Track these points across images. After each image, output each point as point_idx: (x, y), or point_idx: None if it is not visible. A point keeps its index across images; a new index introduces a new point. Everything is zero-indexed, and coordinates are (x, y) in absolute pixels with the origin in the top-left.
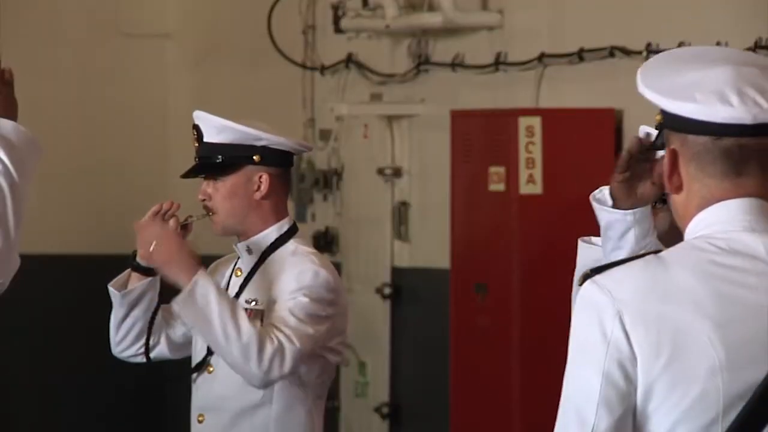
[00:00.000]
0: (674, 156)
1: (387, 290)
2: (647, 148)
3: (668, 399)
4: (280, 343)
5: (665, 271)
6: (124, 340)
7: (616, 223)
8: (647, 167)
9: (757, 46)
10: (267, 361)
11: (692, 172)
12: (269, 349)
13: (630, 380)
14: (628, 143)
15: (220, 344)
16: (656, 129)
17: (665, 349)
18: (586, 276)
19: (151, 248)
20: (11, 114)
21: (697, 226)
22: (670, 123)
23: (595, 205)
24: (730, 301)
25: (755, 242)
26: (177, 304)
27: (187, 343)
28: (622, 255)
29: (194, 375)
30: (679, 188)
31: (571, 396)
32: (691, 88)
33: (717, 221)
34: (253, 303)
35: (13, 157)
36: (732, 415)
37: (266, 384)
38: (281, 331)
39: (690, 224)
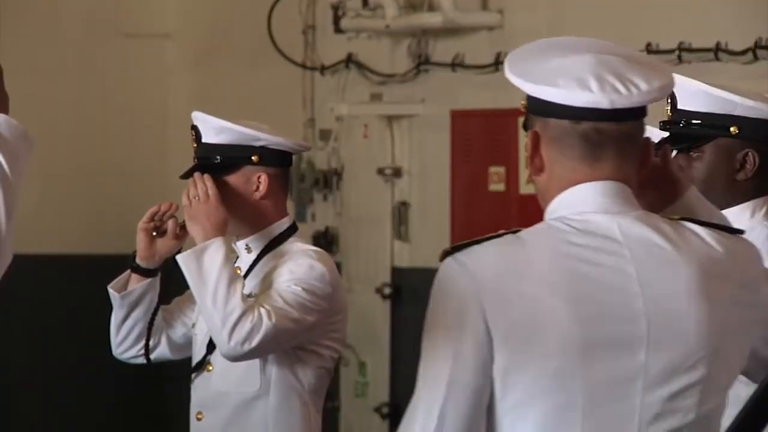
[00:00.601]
0: (536, 138)
1: (387, 290)
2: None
3: (525, 375)
4: (259, 319)
5: (522, 249)
6: (125, 341)
7: None
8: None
9: (757, 46)
10: (240, 334)
11: (553, 155)
12: (247, 324)
13: (489, 355)
14: None
15: (206, 306)
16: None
17: (521, 326)
18: (447, 253)
19: (190, 202)
20: (2, 107)
21: (557, 207)
22: (534, 107)
23: None
24: (584, 279)
25: (610, 223)
26: (182, 257)
27: (188, 343)
28: None
29: (193, 375)
30: (540, 170)
31: (432, 369)
32: (554, 73)
33: (575, 203)
34: (251, 299)
35: (5, 150)
36: (591, 389)
37: (234, 356)
38: (263, 307)
39: (550, 205)
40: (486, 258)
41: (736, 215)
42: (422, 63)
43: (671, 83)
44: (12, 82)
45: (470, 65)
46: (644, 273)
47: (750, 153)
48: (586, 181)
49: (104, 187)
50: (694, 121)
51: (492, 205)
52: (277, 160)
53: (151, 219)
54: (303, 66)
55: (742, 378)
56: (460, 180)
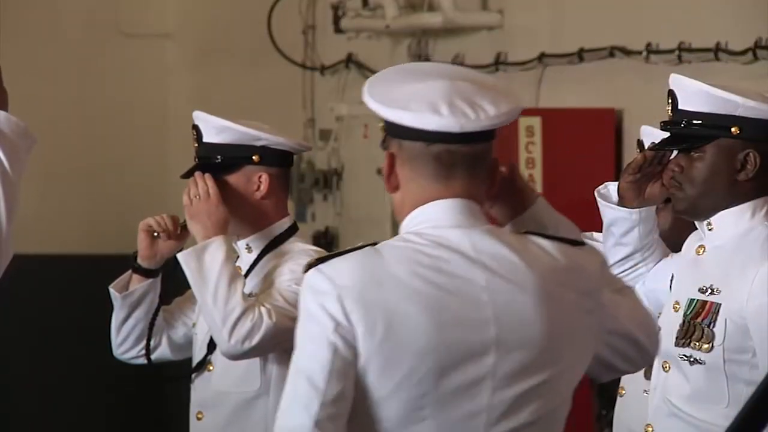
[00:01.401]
0: (392, 159)
1: None
2: (661, 155)
3: (383, 373)
4: (259, 318)
5: (380, 261)
6: (126, 341)
7: (621, 221)
8: (658, 169)
9: (757, 46)
10: (240, 333)
11: (408, 174)
12: (247, 323)
13: (353, 355)
14: (646, 148)
15: (207, 304)
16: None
17: (380, 330)
18: (311, 265)
19: (191, 201)
20: (1, 105)
21: (411, 222)
22: (390, 130)
23: (600, 201)
24: (437, 288)
25: (461, 238)
26: (183, 255)
27: (188, 343)
28: (625, 252)
29: (193, 375)
30: (396, 187)
31: (303, 368)
32: (408, 99)
33: (428, 218)
34: (251, 298)
35: (6, 147)
36: (443, 390)
37: (234, 355)
38: (263, 306)
39: (405, 220)
40: (347, 268)
41: (737, 215)
42: None
43: (518, 108)
44: (12, 82)
45: (470, 65)
46: (493, 283)
47: (751, 153)
48: (438, 198)
49: (104, 187)
50: (695, 122)
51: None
52: (277, 159)
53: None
54: (303, 66)
55: (742, 377)
56: None
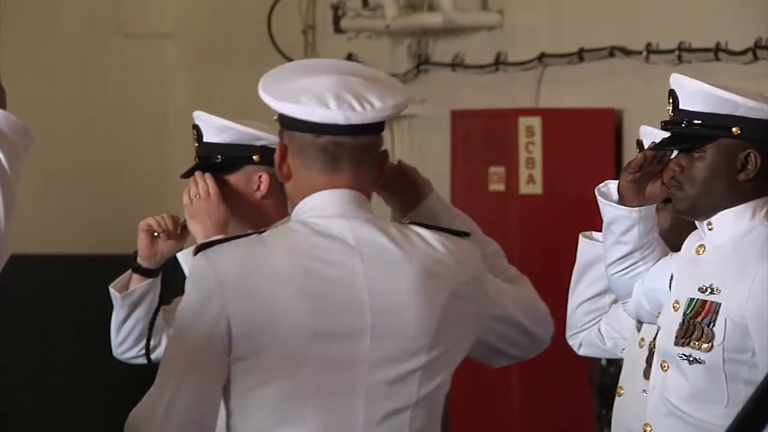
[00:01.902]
0: (284, 149)
1: None
2: (662, 154)
3: (260, 361)
4: None
5: (264, 248)
6: (126, 341)
7: (621, 219)
8: (658, 168)
9: (757, 46)
10: None
11: (298, 164)
12: None
13: (227, 343)
14: (646, 147)
15: None
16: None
17: (259, 317)
18: (199, 249)
19: (191, 201)
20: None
21: (299, 211)
22: (282, 122)
23: (600, 200)
24: (316, 275)
25: (343, 227)
26: (183, 254)
27: None
28: (624, 250)
29: None
30: (288, 177)
31: (178, 353)
32: (298, 92)
33: (315, 207)
34: None
35: (4, 146)
36: (321, 374)
37: None
38: None
39: (295, 209)
40: (231, 255)
41: (737, 216)
42: (422, 63)
43: (405, 102)
44: (12, 82)
45: (470, 65)
46: (371, 271)
47: (752, 153)
48: (326, 188)
49: (104, 187)
50: (695, 122)
51: (492, 205)
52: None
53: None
54: None
55: (741, 377)
56: (460, 180)
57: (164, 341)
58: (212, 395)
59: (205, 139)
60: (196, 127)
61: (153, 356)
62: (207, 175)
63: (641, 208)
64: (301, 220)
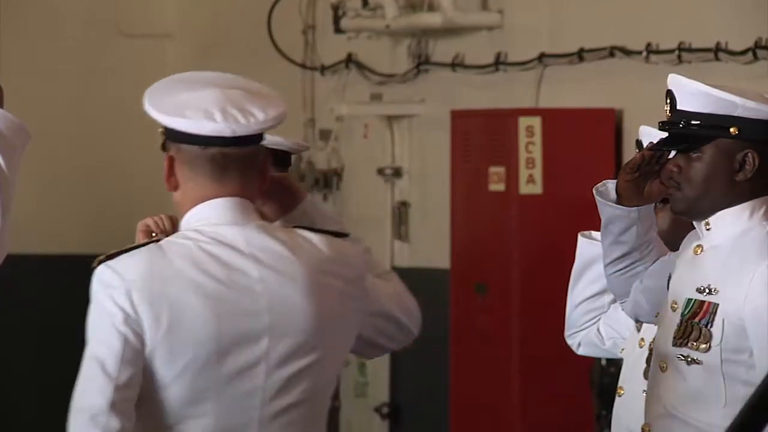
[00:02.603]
0: (171, 161)
1: None
2: (660, 154)
3: (168, 360)
4: None
5: (164, 257)
6: None
7: (619, 219)
8: (656, 168)
9: (757, 46)
10: None
11: (186, 174)
12: None
13: (141, 344)
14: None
15: None
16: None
17: (165, 321)
18: (100, 261)
19: None
20: None
21: (191, 219)
22: (169, 135)
23: (598, 199)
24: (216, 281)
25: (236, 234)
26: None
27: None
28: (622, 250)
29: None
30: (176, 187)
31: (96, 356)
32: (183, 106)
33: (206, 216)
34: None
35: (1, 144)
36: (223, 372)
37: None
38: None
39: (185, 217)
40: (134, 264)
41: (735, 216)
42: (422, 63)
43: (284, 113)
44: (12, 82)
45: (470, 65)
46: (265, 275)
47: (750, 154)
48: (215, 196)
49: (104, 187)
50: (693, 122)
51: (492, 205)
52: (276, 159)
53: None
54: (303, 66)
55: (739, 378)
56: (460, 180)
57: None
58: (128, 394)
59: None
60: None
61: None
62: None
63: (639, 207)
64: (195, 229)
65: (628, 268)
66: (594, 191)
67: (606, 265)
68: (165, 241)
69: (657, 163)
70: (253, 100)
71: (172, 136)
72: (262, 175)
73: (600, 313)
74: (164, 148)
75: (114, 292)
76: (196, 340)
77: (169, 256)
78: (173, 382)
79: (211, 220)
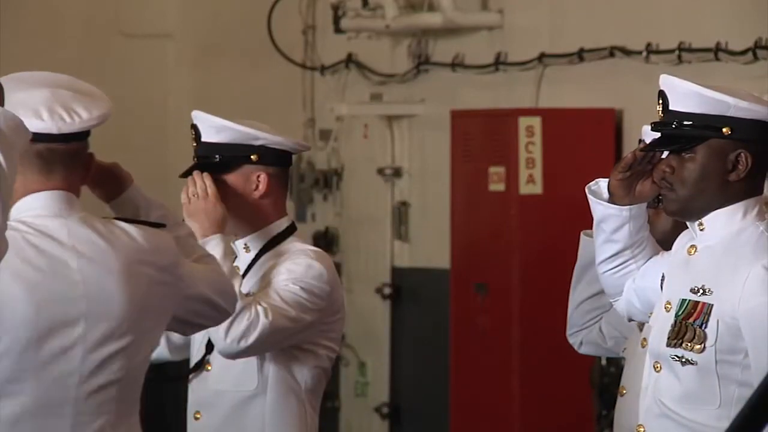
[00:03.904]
0: None
1: (387, 290)
2: (652, 154)
3: None
4: (256, 317)
5: None
6: None
7: (611, 218)
8: (648, 167)
9: (757, 46)
10: (236, 331)
11: (18, 169)
12: (244, 322)
13: None
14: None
15: None
16: None
17: None
18: None
19: (189, 200)
20: None
21: (18, 211)
22: None
23: (591, 198)
24: (37, 270)
25: (59, 225)
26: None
27: (186, 344)
28: (615, 248)
29: (191, 375)
30: None
31: None
32: (15, 106)
33: (32, 208)
34: (248, 297)
35: (1, 143)
36: (41, 355)
37: (230, 354)
38: (260, 304)
39: (13, 208)
40: None
41: (728, 216)
42: (422, 63)
43: (109, 112)
44: None
45: (470, 65)
46: (83, 265)
47: (742, 154)
48: (41, 189)
49: None
50: (686, 122)
51: (492, 205)
52: (276, 159)
53: None
54: (303, 66)
55: (734, 378)
56: (460, 180)
57: (163, 342)
58: None
59: (203, 139)
60: (194, 127)
61: (152, 356)
62: (205, 174)
63: (632, 206)
64: (21, 220)
65: (620, 267)
66: (586, 190)
67: (599, 264)
68: None
69: (649, 162)
70: (80, 99)
71: None
72: (86, 169)
73: (602, 312)
74: None
75: None
76: (16, 325)
77: None
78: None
79: (37, 211)
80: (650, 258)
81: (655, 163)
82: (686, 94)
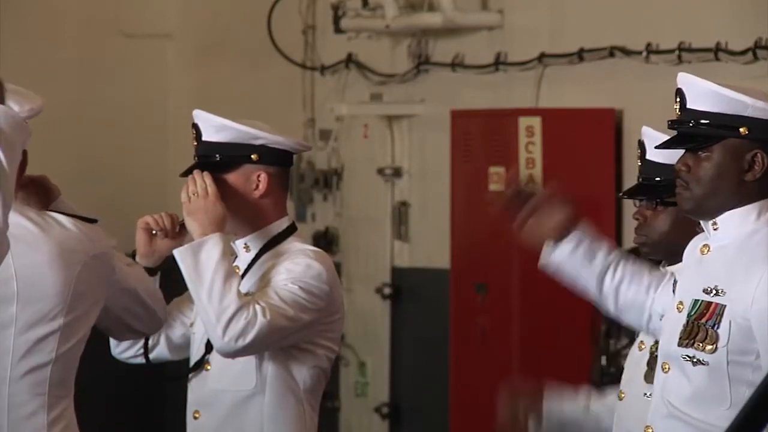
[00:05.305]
0: None
1: (387, 290)
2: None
3: None
4: (254, 316)
5: None
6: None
7: (570, 253)
8: (523, 198)
9: (757, 46)
10: (234, 330)
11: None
12: (242, 320)
13: None
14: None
15: (202, 300)
16: None
17: None
18: None
19: (189, 199)
20: None
21: None
22: None
23: (551, 264)
24: None
25: None
26: (180, 251)
27: (186, 343)
28: (597, 271)
29: (191, 374)
30: None
31: None
32: None
33: None
34: (247, 296)
35: (1, 141)
36: None
37: (227, 352)
38: (259, 304)
39: None
40: None
41: (743, 216)
42: (422, 63)
43: (40, 107)
44: (12, 81)
45: (470, 65)
46: (16, 248)
47: (759, 154)
48: None
49: (104, 187)
50: (703, 121)
51: (492, 205)
52: (276, 159)
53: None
54: (303, 66)
55: (745, 379)
56: (460, 180)
57: (162, 341)
58: None
59: (204, 138)
60: (195, 126)
61: (151, 356)
62: (205, 173)
63: (572, 232)
64: None
65: (616, 280)
66: (541, 268)
67: (600, 297)
68: None
69: (518, 196)
70: (11, 96)
71: None
72: (21, 170)
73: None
74: None
75: None
76: None
77: None
78: None
79: None
80: (639, 266)
81: (528, 192)
82: (704, 93)
